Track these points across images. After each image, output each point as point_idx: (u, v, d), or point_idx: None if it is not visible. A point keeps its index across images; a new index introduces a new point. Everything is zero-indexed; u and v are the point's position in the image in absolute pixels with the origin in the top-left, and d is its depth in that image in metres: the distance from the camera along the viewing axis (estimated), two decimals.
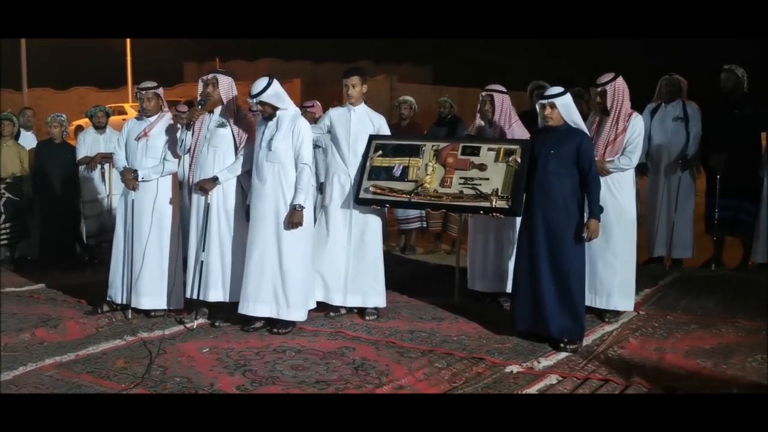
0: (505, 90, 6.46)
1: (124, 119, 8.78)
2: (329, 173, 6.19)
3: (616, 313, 6.04)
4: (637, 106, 8.07)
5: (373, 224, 6.14)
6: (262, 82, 5.63)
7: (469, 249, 6.65)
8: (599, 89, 5.93)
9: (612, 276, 5.92)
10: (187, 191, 6.15)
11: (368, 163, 6.09)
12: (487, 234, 6.44)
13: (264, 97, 5.61)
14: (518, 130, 6.34)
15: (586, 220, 5.30)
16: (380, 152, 6.12)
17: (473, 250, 6.56)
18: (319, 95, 30.44)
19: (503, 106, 6.38)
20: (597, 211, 5.32)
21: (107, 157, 8.55)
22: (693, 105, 7.99)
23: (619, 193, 5.93)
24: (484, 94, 6.44)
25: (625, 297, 6.00)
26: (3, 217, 8.47)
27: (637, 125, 5.95)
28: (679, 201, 8.01)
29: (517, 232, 6.18)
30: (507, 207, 5.58)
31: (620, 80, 5.92)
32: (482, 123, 6.49)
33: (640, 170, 7.98)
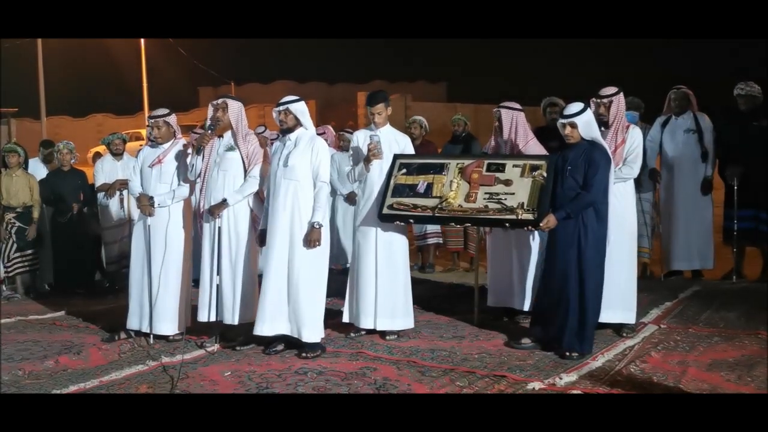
0: (517, 107, 6.45)
1: (141, 145, 8.89)
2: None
3: (634, 328, 6.02)
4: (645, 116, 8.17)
5: (399, 245, 6.15)
6: (293, 95, 5.89)
7: (489, 266, 6.64)
8: (605, 100, 5.96)
9: (613, 288, 5.88)
10: (198, 216, 6.20)
11: (392, 182, 6.12)
12: (508, 251, 6.45)
13: (292, 107, 5.74)
14: (535, 148, 6.33)
15: (554, 213, 5.41)
16: (404, 171, 6.15)
17: (494, 267, 6.56)
18: (333, 116, 30.69)
19: (512, 123, 6.37)
20: (563, 214, 5.39)
21: (126, 184, 8.64)
22: (705, 118, 8.00)
23: (620, 204, 5.92)
24: (495, 110, 6.49)
25: (626, 310, 5.98)
26: (15, 246, 8.57)
27: (635, 136, 6.04)
28: (697, 212, 8.00)
29: (534, 249, 6.30)
30: (533, 219, 5.59)
31: (622, 95, 6.03)
32: (496, 141, 6.51)
33: (651, 176, 7.99)
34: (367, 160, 6.00)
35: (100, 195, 8.87)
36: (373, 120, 6.14)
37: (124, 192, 8.74)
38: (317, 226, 5.59)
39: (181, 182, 6.19)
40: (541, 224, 5.43)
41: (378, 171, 6.14)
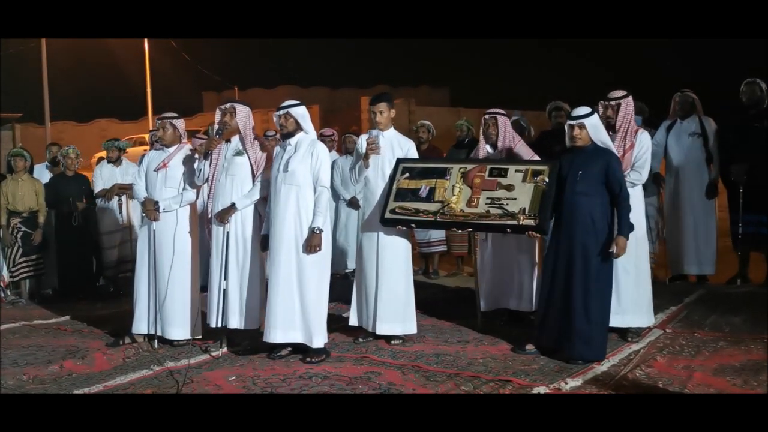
0: (504, 112, 6.57)
1: (145, 150, 8.94)
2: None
3: (639, 332, 6.01)
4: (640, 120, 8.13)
5: (401, 249, 6.14)
6: (293, 100, 5.90)
7: (480, 270, 6.62)
8: (613, 103, 5.94)
9: (625, 293, 5.88)
10: (206, 220, 6.20)
11: (395, 186, 6.11)
12: (500, 254, 6.49)
13: (292, 111, 5.74)
14: (524, 150, 6.44)
15: (621, 234, 5.36)
16: (407, 175, 6.14)
17: (484, 271, 6.57)
18: (337, 121, 30.69)
19: (506, 127, 6.48)
20: (626, 229, 5.35)
21: (124, 188, 8.66)
22: (710, 122, 7.99)
23: None
24: (487, 117, 6.52)
25: (640, 314, 5.99)
26: (20, 250, 8.58)
27: (644, 140, 6.01)
28: (701, 217, 7.99)
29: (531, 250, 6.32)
30: (534, 224, 5.59)
31: (630, 98, 6.00)
32: (488, 148, 6.53)
33: (655, 181, 7.99)
34: (366, 156, 6.00)
35: (99, 201, 8.87)
36: (374, 119, 6.14)
37: (123, 197, 8.75)
38: (317, 231, 5.58)
39: (188, 187, 6.19)
40: (616, 253, 5.34)
41: (381, 175, 6.15)
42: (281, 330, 5.62)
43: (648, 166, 6.04)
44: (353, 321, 6.23)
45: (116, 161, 9.03)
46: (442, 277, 9.20)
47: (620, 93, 5.98)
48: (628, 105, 5.96)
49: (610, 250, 5.33)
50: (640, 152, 5.96)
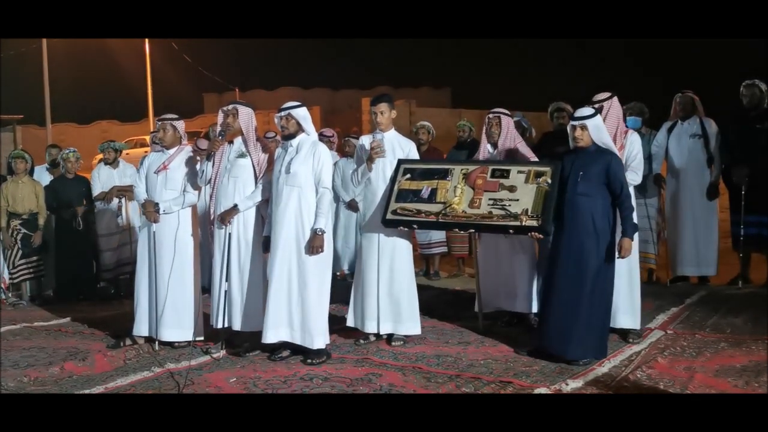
0: (508, 112, 6.60)
1: (146, 152, 8.94)
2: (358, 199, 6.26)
3: (640, 334, 6.01)
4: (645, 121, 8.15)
5: (402, 249, 6.13)
6: (295, 101, 5.90)
7: (479, 272, 6.62)
8: (597, 105, 5.92)
9: (615, 294, 5.87)
10: (208, 222, 6.19)
11: (396, 187, 6.11)
12: (495, 255, 6.49)
13: (294, 112, 5.73)
14: (525, 151, 6.48)
15: (618, 239, 5.35)
16: (408, 176, 6.14)
17: (482, 273, 6.56)
18: (338, 122, 30.68)
19: (509, 128, 6.51)
20: (630, 230, 5.36)
21: (123, 190, 8.65)
22: (711, 123, 7.98)
23: None
24: (491, 116, 6.54)
25: (629, 315, 5.99)
26: (20, 252, 8.57)
27: (635, 141, 6.01)
28: (702, 218, 7.98)
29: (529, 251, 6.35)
30: (537, 225, 5.58)
31: (616, 100, 5.97)
32: (489, 148, 6.56)
33: (656, 182, 7.99)
34: (370, 159, 5.98)
35: (98, 203, 8.87)
36: (375, 119, 6.13)
37: (122, 199, 8.74)
38: (320, 233, 5.57)
39: (189, 188, 6.18)
40: (621, 254, 5.37)
41: (382, 176, 6.14)
42: (274, 329, 5.62)
43: (642, 166, 6.04)
44: (350, 322, 6.22)
45: (113, 163, 9.02)
46: (443, 278, 9.20)
47: (604, 95, 5.96)
48: (613, 107, 5.93)
49: (616, 252, 5.34)
50: (632, 153, 5.95)
